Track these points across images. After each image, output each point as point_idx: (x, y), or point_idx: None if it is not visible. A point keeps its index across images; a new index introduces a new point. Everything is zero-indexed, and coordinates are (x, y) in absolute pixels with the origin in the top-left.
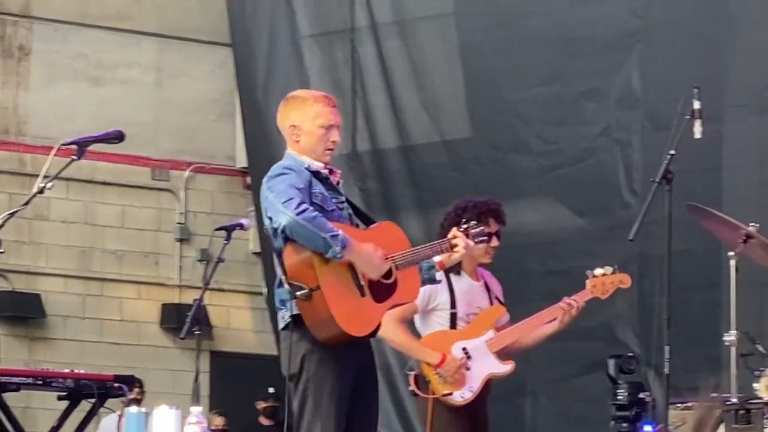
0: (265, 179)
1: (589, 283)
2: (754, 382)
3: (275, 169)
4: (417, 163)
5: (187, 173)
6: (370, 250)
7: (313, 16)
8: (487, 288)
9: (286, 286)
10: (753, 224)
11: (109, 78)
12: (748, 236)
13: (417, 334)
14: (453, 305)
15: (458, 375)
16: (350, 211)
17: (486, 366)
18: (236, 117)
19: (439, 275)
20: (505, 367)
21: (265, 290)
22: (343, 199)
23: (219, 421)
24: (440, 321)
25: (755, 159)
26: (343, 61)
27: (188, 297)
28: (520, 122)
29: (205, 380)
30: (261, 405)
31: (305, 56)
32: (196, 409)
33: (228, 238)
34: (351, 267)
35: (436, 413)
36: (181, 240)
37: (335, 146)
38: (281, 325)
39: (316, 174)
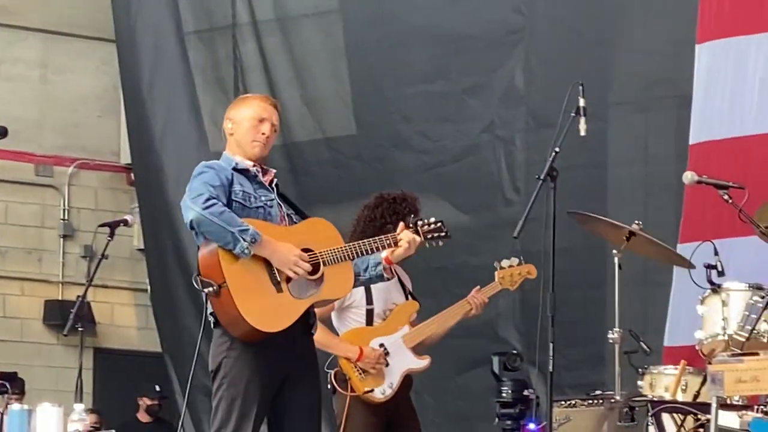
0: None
1: (497, 275)
2: (638, 380)
3: (197, 168)
4: (299, 160)
5: (71, 169)
6: (285, 249)
7: (196, 12)
8: (402, 283)
9: (198, 282)
10: (637, 222)
11: None
12: (632, 234)
13: (335, 332)
14: (369, 302)
15: (379, 366)
16: (284, 209)
17: (404, 362)
18: (121, 113)
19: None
20: (422, 362)
21: (149, 287)
22: (273, 197)
23: (91, 419)
24: (356, 318)
25: (640, 156)
26: (225, 58)
27: (72, 294)
28: (402, 119)
29: (88, 377)
30: (146, 402)
31: (189, 53)
32: (79, 407)
33: (112, 235)
34: (268, 262)
35: (354, 411)
36: (64, 236)
37: (264, 139)
38: (210, 323)
39: (244, 172)
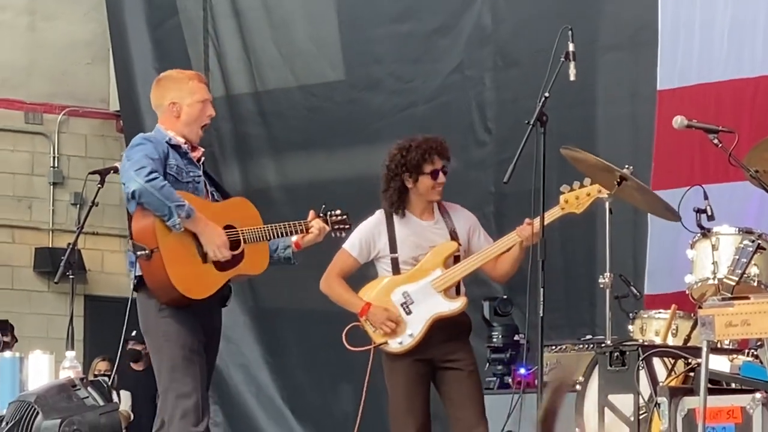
0: (127, 149)
1: (561, 199)
2: (628, 324)
3: (135, 139)
4: (270, 105)
5: (60, 117)
6: (216, 232)
7: None
8: (448, 224)
9: (130, 246)
10: (627, 166)
11: None
12: (623, 178)
13: None
14: (393, 250)
15: (388, 323)
16: (209, 186)
17: (430, 307)
18: (110, 60)
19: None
20: (453, 305)
21: None
22: (200, 173)
23: (102, 366)
24: (385, 268)
25: (627, 98)
26: (195, 2)
27: (62, 241)
28: (373, 61)
29: (79, 324)
30: (138, 347)
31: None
32: (70, 354)
33: (102, 182)
34: (195, 235)
35: (392, 365)
36: (54, 184)
37: (210, 120)
38: (131, 285)
39: (176, 147)
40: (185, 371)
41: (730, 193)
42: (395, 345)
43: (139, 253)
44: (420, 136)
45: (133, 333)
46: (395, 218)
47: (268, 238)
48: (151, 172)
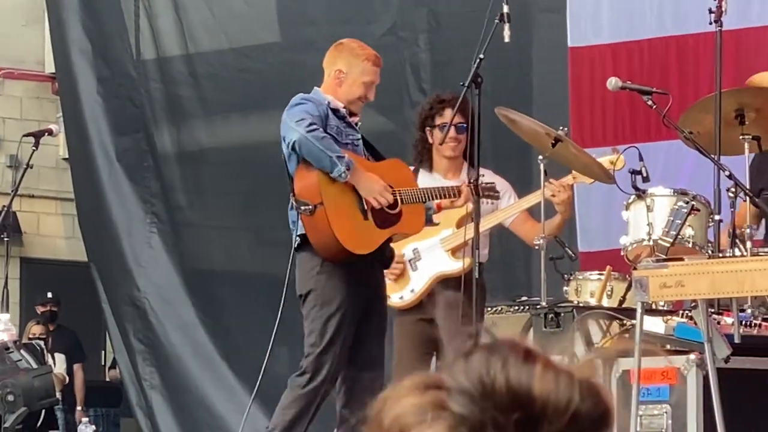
0: (286, 109)
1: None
2: (563, 286)
3: (295, 99)
4: (202, 67)
5: None
6: (373, 179)
7: None
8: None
9: (293, 202)
10: (562, 128)
11: None
12: (557, 140)
13: None
14: None
15: (392, 275)
16: (364, 149)
17: (434, 265)
18: (45, 22)
19: (437, 217)
20: (454, 265)
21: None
22: (359, 137)
23: (36, 329)
24: None
25: (562, 59)
26: None
27: None
28: (307, 22)
29: (14, 287)
30: (39, 309)
31: None
32: (4, 317)
33: (36, 144)
34: (357, 191)
35: (399, 319)
36: None
37: (365, 102)
38: (294, 244)
39: (335, 111)
40: (337, 333)
41: (660, 151)
42: (396, 299)
43: (303, 208)
44: (446, 92)
45: (49, 295)
46: (420, 175)
47: (423, 200)
48: (311, 124)
